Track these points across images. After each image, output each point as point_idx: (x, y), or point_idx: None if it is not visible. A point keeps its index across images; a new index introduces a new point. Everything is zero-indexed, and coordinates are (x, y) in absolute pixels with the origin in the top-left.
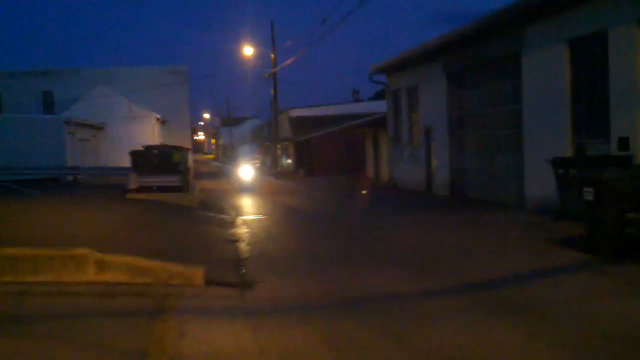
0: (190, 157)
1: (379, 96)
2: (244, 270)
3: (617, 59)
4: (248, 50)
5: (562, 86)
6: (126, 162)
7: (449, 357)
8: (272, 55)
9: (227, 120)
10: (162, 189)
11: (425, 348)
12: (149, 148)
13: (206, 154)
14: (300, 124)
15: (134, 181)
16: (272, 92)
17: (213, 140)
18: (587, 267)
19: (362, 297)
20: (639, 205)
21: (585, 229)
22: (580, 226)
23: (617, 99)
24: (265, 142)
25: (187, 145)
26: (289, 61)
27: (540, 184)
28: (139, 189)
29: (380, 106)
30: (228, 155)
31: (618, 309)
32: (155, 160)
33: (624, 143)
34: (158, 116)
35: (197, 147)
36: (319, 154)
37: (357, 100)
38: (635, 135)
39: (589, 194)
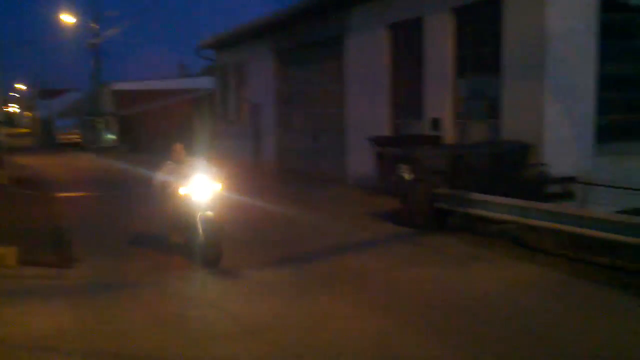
0: (2, 131)
1: (207, 72)
2: (63, 249)
3: (431, 44)
4: (68, 19)
5: (383, 68)
6: None
7: (274, 328)
8: (94, 25)
9: (45, 92)
10: None
11: (250, 321)
12: None
13: (21, 127)
14: (124, 98)
15: None
16: (93, 63)
17: (29, 114)
18: (402, 239)
19: (182, 271)
20: (448, 181)
21: (400, 203)
22: (397, 201)
23: (430, 82)
24: (86, 116)
25: None
26: (112, 31)
27: (362, 161)
28: None
29: (209, 82)
30: (45, 130)
31: (427, 275)
32: None
33: (435, 123)
34: None
35: (10, 120)
36: (144, 130)
37: (185, 76)
38: (445, 117)
39: (403, 170)
